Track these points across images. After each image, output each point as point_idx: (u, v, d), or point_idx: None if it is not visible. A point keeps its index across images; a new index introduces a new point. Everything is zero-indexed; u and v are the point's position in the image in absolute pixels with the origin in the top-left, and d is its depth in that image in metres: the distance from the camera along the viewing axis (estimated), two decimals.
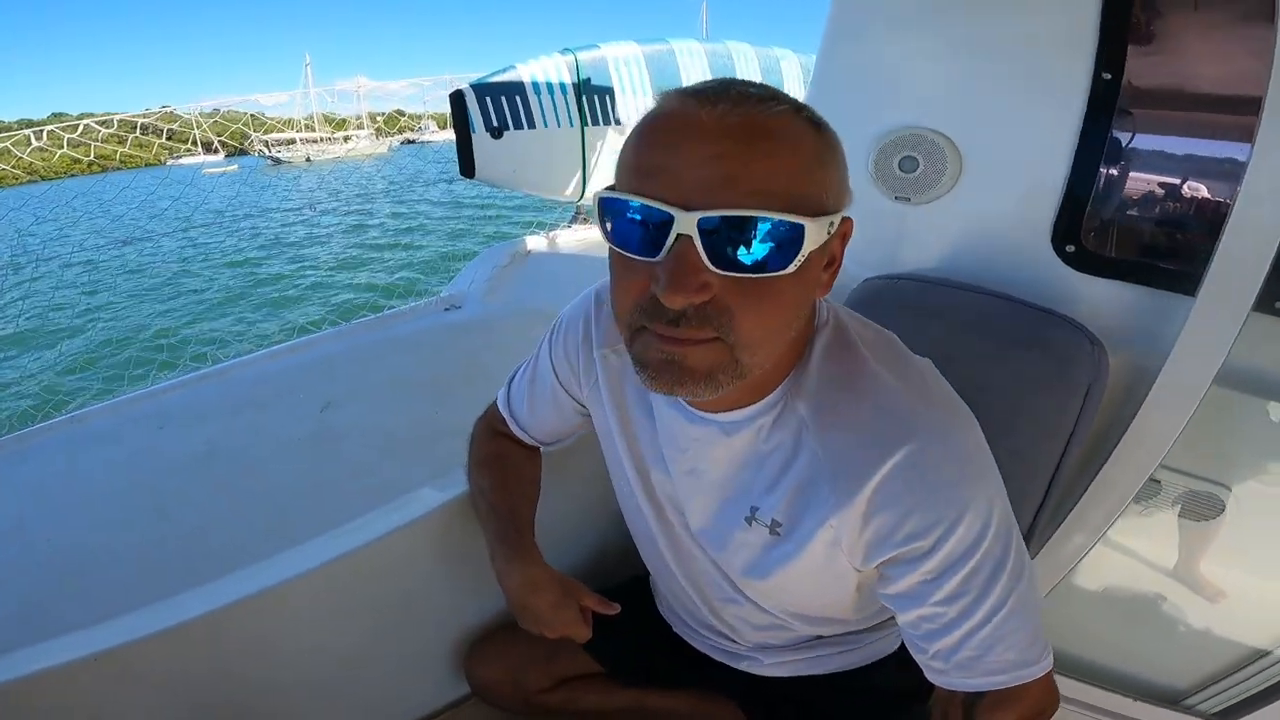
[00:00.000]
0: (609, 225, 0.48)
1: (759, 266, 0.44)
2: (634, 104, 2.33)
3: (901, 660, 0.77)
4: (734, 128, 0.44)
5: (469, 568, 0.88)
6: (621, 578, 0.95)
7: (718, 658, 0.82)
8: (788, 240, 0.44)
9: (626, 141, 0.49)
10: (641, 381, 0.51)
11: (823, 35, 1.25)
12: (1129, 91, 0.96)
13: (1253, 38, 0.83)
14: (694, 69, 2.49)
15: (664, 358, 0.48)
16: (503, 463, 0.85)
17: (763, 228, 0.43)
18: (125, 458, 1.26)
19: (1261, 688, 1.06)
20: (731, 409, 0.59)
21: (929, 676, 0.58)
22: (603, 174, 2.32)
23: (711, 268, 0.44)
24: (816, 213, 0.45)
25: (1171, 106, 1.06)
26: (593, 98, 2.19)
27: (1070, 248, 0.97)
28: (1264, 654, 1.07)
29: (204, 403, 1.42)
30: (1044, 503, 0.93)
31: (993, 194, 1.04)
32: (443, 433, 1.31)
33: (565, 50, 2.18)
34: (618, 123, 2.27)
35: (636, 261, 0.46)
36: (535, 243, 1.90)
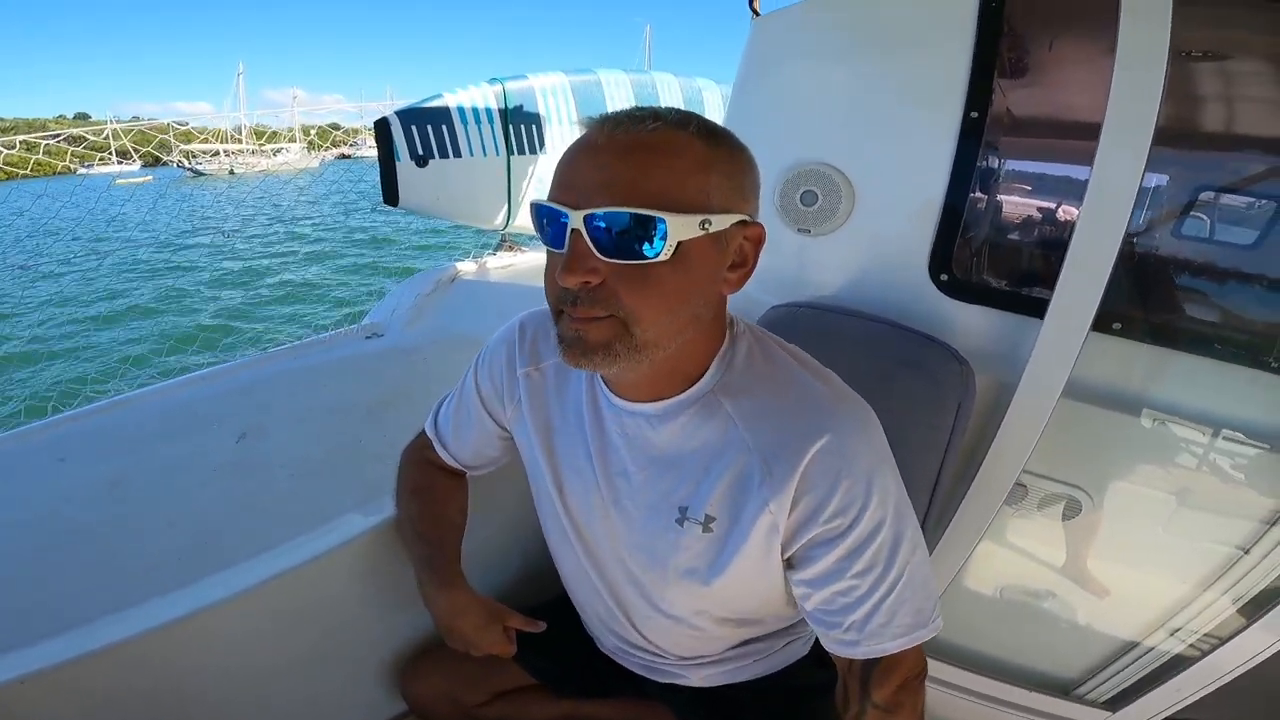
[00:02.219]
0: (539, 227, 0.58)
1: (634, 254, 0.53)
2: (560, 133, 2.37)
3: (816, 660, 0.84)
4: (617, 145, 0.54)
5: (401, 587, 0.90)
6: (550, 595, 0.97)
7: (643, 674, 0.85)
8: (654, 231, 0.52)
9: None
10: (560, 355, 0.59)
11: (737, 73, 1.34)
12: (994, 128, 1.08)
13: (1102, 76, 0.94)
14: (619, 98, 2.57)
15: (573, 334, 0.57)
16: (431, 492, 0.88)
17: (634, 223, 0.52)
18: (25, 488, 1.18)
19: (1142, 675, 1.18)
20: (657, 399, 0.65)
21: (838, 651, 0.65)
22: (529, 202, 2.34)
23: (598, 255, 0.53)
24: (688, 210, 0.53)
25: (1031, 143, 1.19)
26: (519, 127, 2.23)
27: (944, 276, 1.08)
28: (1135, 644, 1.19)
29: (108, 434, 1.34)
30: (928, 511, 1.02)
31: (880, 227, 1.14)
32: (366, 459, 1.30)
33: (493, 80, 2.21)
34: (544, 151, 2.31)
35: (555, 255, 0.57)
36: (459, 270, 1.89)
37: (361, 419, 1.41)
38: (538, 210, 0.57)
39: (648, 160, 0.54)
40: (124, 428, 1.36)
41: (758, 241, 0.60)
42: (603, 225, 0.53)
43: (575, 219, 0.53)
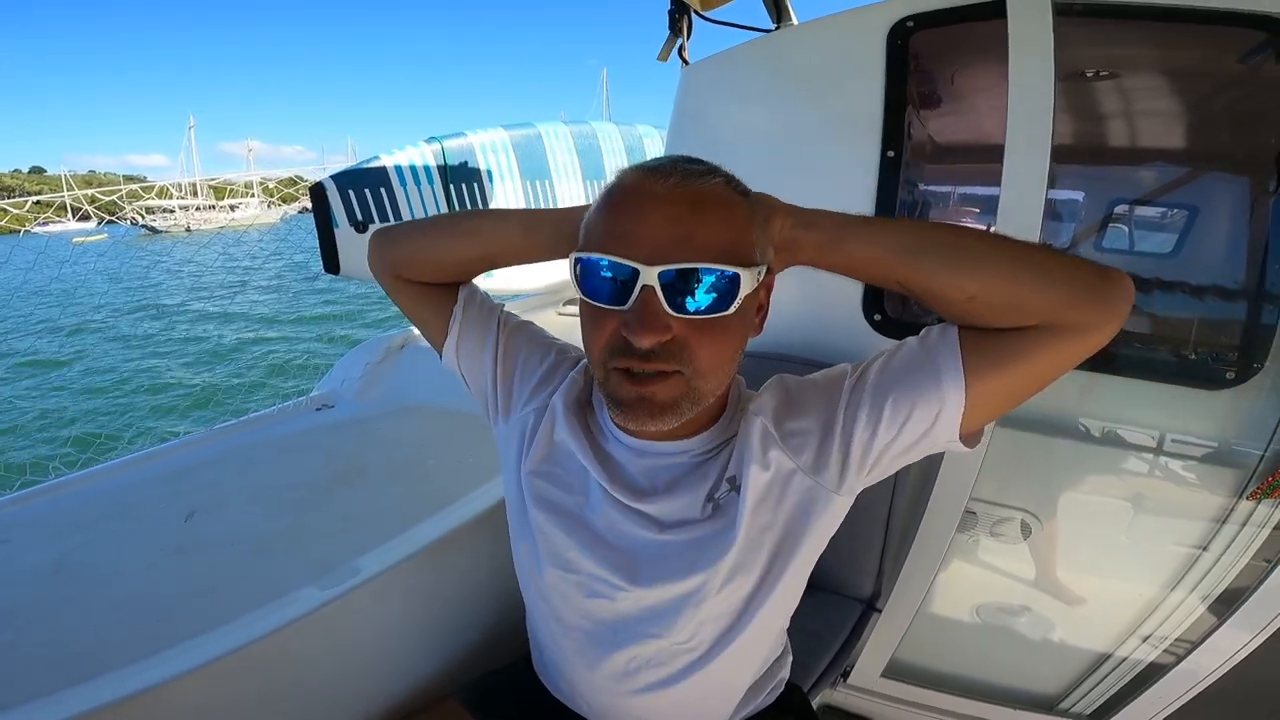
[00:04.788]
0: (584, 280, 0.56)
1: (708, 309, 0.54)
2: (503, 190, 2.37)
3: (782, 708, 0.82)
4: (683, 197, 0.54)
5: (365, 660, 0.89)
6: (516, 656, 0.93)
7: None
8: (728, 287, 0.53)
9: (593, 211, 0.59)
10: (614, 416, 0.60)
11: (670, 119, 1.37)
12: (911, 164, 1.13)
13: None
14: (560, 150, 2.59)
15: (635, 396, 0.56)
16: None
17: (709, 278, 0.53)
18: None
19: (1122, 684, 1.19)
20: (684, 436, 0.65)
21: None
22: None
23: (670, 312, 0.53)
24: (748, 264, 0.55)
25: (947, 173, 1.23)
26: (460, 186, 2.22)
27: (878, 316, 1.10)
28: (1109, 655, 1.21)
29: (51, 516, 1.29)
30: (886, 541, 1.03)
31: (814, 273, 1.15)
32: (321, 535, 1.26)
33: (431, 139, 2.20)
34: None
35: (607, 310, 0.55)
36: (409, 335, 1.88)
37: (314, 494, 1.37)
38: (590, 264, 0.55)
39: (714, 215, 0.55)
40: (68, 509, 1.30)
41: (770, 287, 0.62)
42: (680, 281, 0.52)
43: (649, 275, 0.52)
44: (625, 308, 0.54)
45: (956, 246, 0.55)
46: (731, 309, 0.54)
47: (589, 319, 0.59)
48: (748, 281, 0.54)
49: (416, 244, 0.75)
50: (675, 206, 0.54)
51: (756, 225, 0.58)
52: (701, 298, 0.53)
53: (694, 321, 0.54)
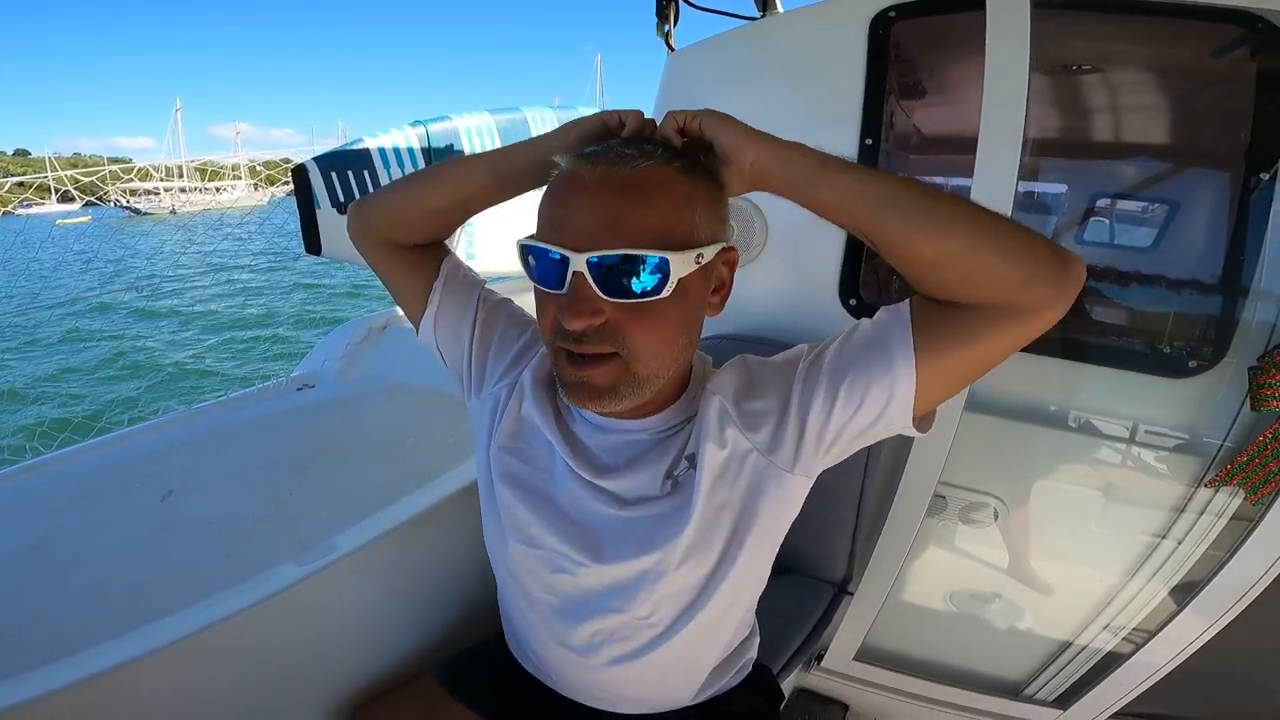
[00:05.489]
0: (529, 266, 0.58)
1: (640, 294, 0.55)
2: None
3: (748, 687, 0.84)
4: (610, 184, 0.55)
5: (347, 636, 0.90)
6: (491, 633, 0.95)
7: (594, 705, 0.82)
8: (659, 271, 0.54)
9: (541, 197, 0.61)
10: (565, 396, 0.63)
11: (654, 105, 1.37)
12: (889, 152, 1.14)
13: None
14: None
15: (576, 380, 0.59)
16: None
17: (640, 263, 0.53)
18: None
19: (1084, 671, 1.22)
20: (645, 415, 0.66)
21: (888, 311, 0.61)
22: (460, 246, 2.31)
23: (602, 296, 0.55)
24: (683, 246, 0.55)
25: (924, 162, 1.24)
26: None
27: (853, 301, 1.12)
28: (1071, 642, 1.24)
29: (29, 496, 1.28)
30: (857, 525, 1.05)
31: (792, 257, 1.17)
32: (301, 514, 1.26)
33: (415, 123, 2.18)
34: None
35: (549, 294, 0.58)
36: (391, 316, 1.87)
37: (294, 474, 1.37)
38: (529, 251, 0.58)
39: (643, 199, 0.55)
40: (45, 490, 1.30)
41: (733, 265, 0.62)
42: (607, 267, 0.54)
43: (578, 261, 0.54)
44: (562, 292, 0.56)
45: (925, 207, 0.53)
46: (664, 293, 0.55)
47: (538, 302, 0.61)
48: (680, 265, 0.55)
49: (390, 201, 0.75)
50: (603, 194, 0.55)
51: (702, 202, 0.58)
52: (633, 282, 0.54)
53: (626, 306, 0.55)
